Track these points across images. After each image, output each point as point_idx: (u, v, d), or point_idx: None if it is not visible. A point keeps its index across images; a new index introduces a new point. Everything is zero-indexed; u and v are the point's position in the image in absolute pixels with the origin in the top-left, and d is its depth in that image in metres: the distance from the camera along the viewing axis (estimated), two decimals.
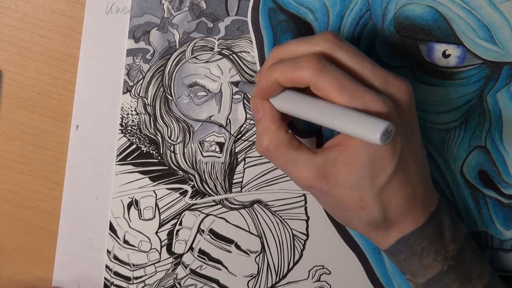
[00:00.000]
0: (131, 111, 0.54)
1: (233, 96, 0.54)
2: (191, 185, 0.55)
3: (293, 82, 0.45)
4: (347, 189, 0.45)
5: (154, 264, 0.55)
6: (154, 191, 0.55)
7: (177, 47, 0.54)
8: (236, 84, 0.54)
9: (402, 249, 0.47)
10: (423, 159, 0.48)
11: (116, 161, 0.54)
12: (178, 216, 0.55)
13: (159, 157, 0.54)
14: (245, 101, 0.54)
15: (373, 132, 0.40)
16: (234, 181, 0.55)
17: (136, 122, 0.54)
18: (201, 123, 0.54)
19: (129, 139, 0.54)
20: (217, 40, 0.54)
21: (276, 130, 0.47)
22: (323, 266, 0.56)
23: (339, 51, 0.45)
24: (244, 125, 0.54)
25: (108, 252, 0.55)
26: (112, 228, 0.55)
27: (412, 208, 0.46)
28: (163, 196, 0.55)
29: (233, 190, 0.55)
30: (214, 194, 0.55)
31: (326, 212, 0.55)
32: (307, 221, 0.55)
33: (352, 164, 0.45)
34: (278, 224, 0.55)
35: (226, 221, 0.55)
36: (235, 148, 0.55)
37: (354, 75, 0.45)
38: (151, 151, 0.54)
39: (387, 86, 0.45)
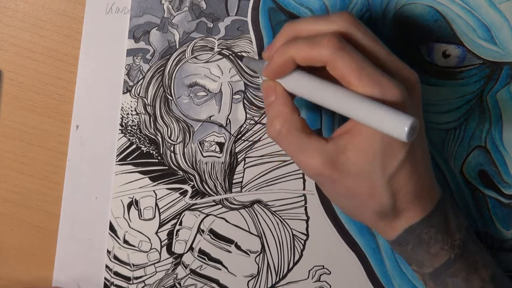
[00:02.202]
0: (131, 111, 0.54)
1: (233, 96, 0.54)
2: (191, 185, 0.55)
3: (311, 60, 0.45)
4: (358, 176, 0.45)
5: (154, 264, 0.55)
6: (154, 191, 0.55)
7: (177, 47, 0.54)
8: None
9: (410, 238, 0.47)
10: (426, 149, 0.48)
11: (116, 161, 0.54)
12: (178, 216, 0.55)
13: (159, 157, 0.54)
14: (245, 101, 0.54)
15: (399, 131, 0.40)
16: (234, 181, 0.55)
17: (136, 122, 0.54)
18: (201, 123, 0.54)
19: (129, 139, 0.54)
20: (217, 40, 0.54)
21: (289, 113, 0.46)
22: (323, 266, 0.56)
23: (357, 31, 0.45)
24: (244, 125, 0.54)
25: (108, 252, 0.55)
26: (112, 228, 0.55)
27: (420, 197, 0.46)
28: (163, 196, 0.55)
29: (233, 190, 0.55)
30: (214, 194, 0.55)
31: (326, 212, 0.55)
32: (307, 221, 0.55)
33: (364, 151, 0.44)
34: (278, 224, 0.55)
35: (226, 221, 0.55)
36: (235, 148, 0.55)
37: (369, 57, 0.44)
38: (151, 151, 0.54)
39: (400, 72, 0.45)
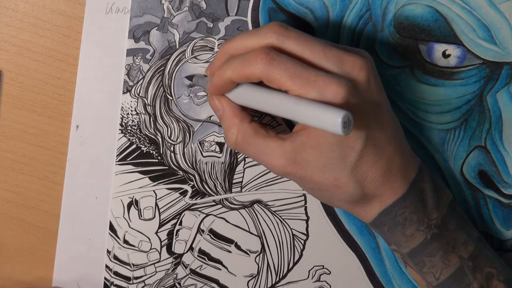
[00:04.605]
0: (131, 111, 0.54)
1: None
2: (191, 185, 0.55)
3: (246, 78, 0.45)
4: (320, 171, 0.46)
5: (154, 264, 0.55)
6: (154, 191, 0.55)
7: (177, 47, 0.54)
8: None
9: (385, 221, 0.48)
10: (394, 128, 0.48)
11: (116, 161, 0.54)
12: (178, 216, 0.55)
13: (159, 157, 0.54)
14: None
15: (334, 126, 0.40)
16: (234, 181, 0.55)
17: (136, 122, 0.54)
18: (201, 123, 0.54)
19: (129, 139, 0.54)
20: (217, 40, 0.54)
21: (239, 123, 0.47)
22: (323, 266, 0.56)
23: (287, 41, 0.45)
24: None
25: (108, 252, 0.55)
26: (112, 228, 0.55)
27: (389, 179, 0.47)
28: (163, 196, 0.55)
29: (233, 190, 0.55)
30: (214, 194, 0.55)
31: (326, 212, 0.55)
32: (307, 221, 0.55)
33: (320, 147, 0.45)
34: (278, 224, 0.55)
35: (226, 221, 0.55)
36: None
37: (307, 62, 0.45)
38: (151, 151, 0.54)
39: (342, 65, 0.45)
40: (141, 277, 0.55)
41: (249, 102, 0.47)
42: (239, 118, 0.47)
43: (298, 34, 0.45)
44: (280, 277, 0.56)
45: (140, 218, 0.55)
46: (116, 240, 0.55)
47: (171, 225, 0.55)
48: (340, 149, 0.45)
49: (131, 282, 0.55)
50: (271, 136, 0.47)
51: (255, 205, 0.55)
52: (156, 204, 0.55)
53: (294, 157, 0.46)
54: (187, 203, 0.55)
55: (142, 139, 0.54)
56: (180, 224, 0.55)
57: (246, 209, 0.55)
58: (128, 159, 0.54)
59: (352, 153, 0.45)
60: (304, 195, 0.55)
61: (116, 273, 0.55)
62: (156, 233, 0.55)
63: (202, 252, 0.55)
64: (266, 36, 0.45)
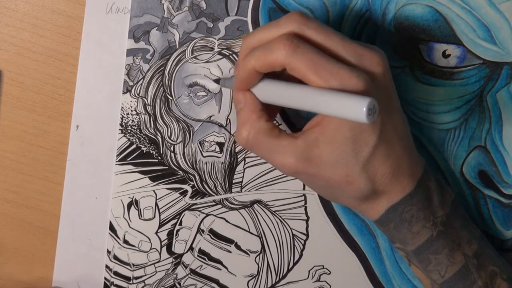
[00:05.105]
0: (131, 111, 0.54)
1: None
2: (191, 185, 0.55)
3: (269, 66, 0.45)
4: (333, 167, 0.46)
5: (154, 264, 0.55)
6: (154, 191, 0.55)
7: (177, 47, 0.54)
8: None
9: (392, 217, 0.48)
10: (404, 128, 0.48)
11: (116, 161, 0.54)
12: (178, 216, 0.55)
13: (159, 157, 0.54)
14: None
15: (358, 113, 0.40)
16: (234, 181, 0.55)
17: (136, 122, 0.54)
18: (201, 123, 0.54)
19: (129, 139, 0.54)
20: (217, 40, 0.54)
21: (255, 119, 0.47)
22: (323, 266, 0.56)
23: (308, 30, 0.45)
24: None
25: (108, 252, 0.55)
26: (112, 228, 0.55)
27: (398, 177, 0.47)
28: (163, 196, 0.55)
29: (233, 190, 0.55)
30: (214, 194, 0.55)
31: (326, 212, 0.55)
32: (307, 221, 0.55)
33: (335, 142, 0.45)
34: (278, 224, 0.55)
35: (226, 221, 0.55)
36: (235, 148, 0.55)
37: (327, 52, 0.45)
38: (151, 151, 0.54)
39: (360, 60, 0.45)
40: (141, 277, 0.55)
41: (272, 97, 0.47)
42: (257, 115, 0.47)
43: (318, 24, 0.46)
44: (280, 277, 0.56)
45: (140, 218, 0.55)
46: (116, 240, 0.55)
47: (171, 225, 0.55)
48: (354, 144, 0.45)
49: (131, 282, 0.55)
50: (283, 135, 0.47)
51: (255, 205, 0.55)
52: (156, 204, 0.55)
53: (307, 155, 0.45)
54: (187, 203, 0.55)
55: (142, 139, 0.54)
56: (180, 224, 0.55)
57: (246, 209, 0.55)
58: (128, 159, 0.54)
59: (366, 148, 0.45)
60: (304, 195, 0.55)
61: (116, 273, 0.55)
62: (156, 233, 0.55)
63: (202, 252, 0.55)
64: (287, 25, 0.45)
